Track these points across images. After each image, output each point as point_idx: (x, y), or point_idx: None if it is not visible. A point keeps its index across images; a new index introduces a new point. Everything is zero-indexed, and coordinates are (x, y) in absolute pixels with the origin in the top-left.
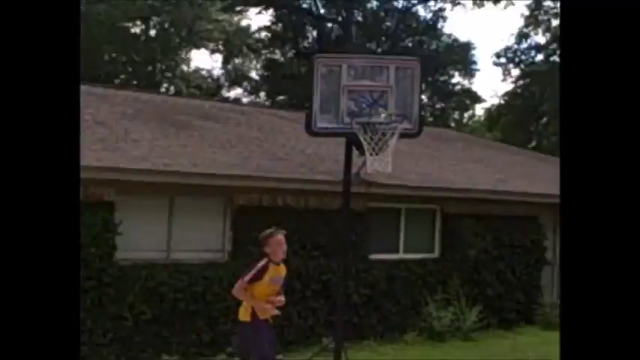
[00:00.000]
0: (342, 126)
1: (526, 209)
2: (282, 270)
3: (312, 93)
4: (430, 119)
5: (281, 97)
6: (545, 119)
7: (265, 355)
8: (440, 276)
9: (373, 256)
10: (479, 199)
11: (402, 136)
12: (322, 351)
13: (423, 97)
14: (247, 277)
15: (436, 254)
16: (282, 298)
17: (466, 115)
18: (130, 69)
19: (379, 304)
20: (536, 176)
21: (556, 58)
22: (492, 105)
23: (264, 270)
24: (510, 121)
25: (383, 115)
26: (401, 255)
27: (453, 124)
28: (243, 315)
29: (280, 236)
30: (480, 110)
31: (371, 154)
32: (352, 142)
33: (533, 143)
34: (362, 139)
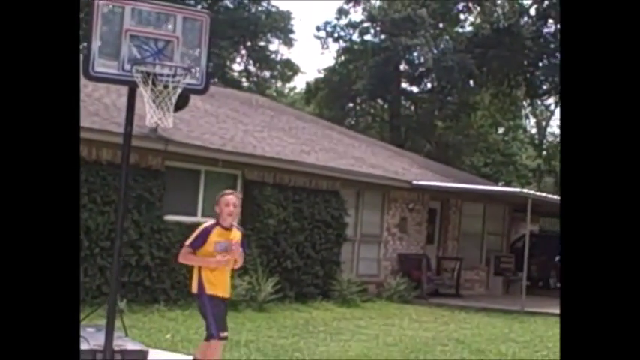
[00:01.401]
0: (123, 73)
1: (328, 183)
2: (234, 235)
3: (92, 34)
4: (251, 87)
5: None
6: (359, 99)
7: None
8: None
9: (169, 217)
10: (281, 168)
11: (189, 91)
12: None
13: (241, 62)
14: (188, 241)
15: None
16: (220, 258)
17: (288, 86)
18: None
19: (173, 267)
20: (343, 152)
21: (370, 37)
22: (314, 79)
23: (206, 233)
24: (327, 96)
25: (167, 68)
26: (199, 218)
27: (274, 94)
28: (195, 287)
29: (229, 197)
30: (302, 83)
31: (151, 107)
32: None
33: (352, 122)
34: (142, 90)
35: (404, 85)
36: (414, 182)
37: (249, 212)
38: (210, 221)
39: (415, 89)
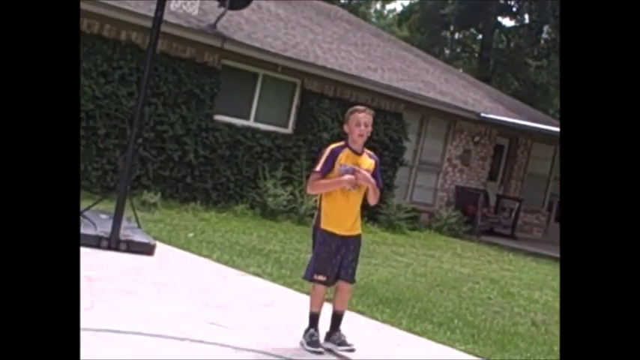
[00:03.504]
0: None
1: (392, 104)
2: (364, 162)
3: None
4: (347, 4)
5: None
6: (452, 27)
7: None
8: (288, 153)
9: (219, 117)
10: (342, 82)
11: None
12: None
13: None
14: (317, 167)
15: (289, 130)
16: (348, 177)
17: (387, 8)
18: None
19: (217, 168)
20: (413, 75)
21: None
22: (409, 2)
23: (334, 155)
24: (419, 20)
25: None
26: (251, 123)
27: (373, 15)
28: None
29: (361, 115)
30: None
31: None
32: None
33: (444, 50)
34: None
35: (500, 18)
36: (483, 114)
37: (303, 123)
38: (339, 143)
39: (509, 22)
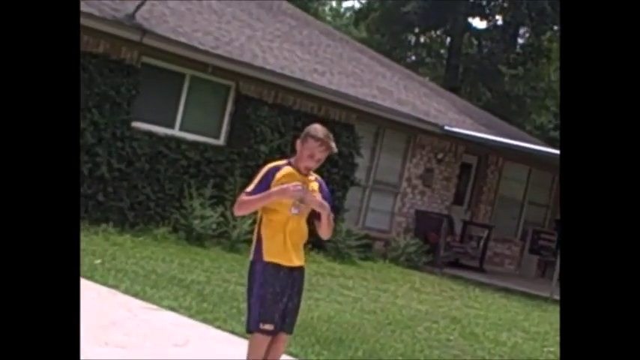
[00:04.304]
0: None
1: (342, 114)
2: (310, 184)
3: None
4: (302, 3)
5: None
6: (417, 29)
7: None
8: (219, 168)
9: (138, 125)
10: (284, 86)
11: None
12: None
13: None
14: (250, 188)
15: (221, 141)
16: (291, 186)
17: (344, 5)
18: None
19: (135, 185)
20: (367, 80)
21: None
22: None
23: (272, 173)
24: (378, 20)
25: None
26: (176, 132)
27: (329, 15)
28: (252, 251)
29: (319, 149)
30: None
31: None
32: None
33: (405, 53)
34: None
35: (470, 19)
36: (447, 128)
37: (238, 133)
38: (282, 161)
39: (481, 24)
